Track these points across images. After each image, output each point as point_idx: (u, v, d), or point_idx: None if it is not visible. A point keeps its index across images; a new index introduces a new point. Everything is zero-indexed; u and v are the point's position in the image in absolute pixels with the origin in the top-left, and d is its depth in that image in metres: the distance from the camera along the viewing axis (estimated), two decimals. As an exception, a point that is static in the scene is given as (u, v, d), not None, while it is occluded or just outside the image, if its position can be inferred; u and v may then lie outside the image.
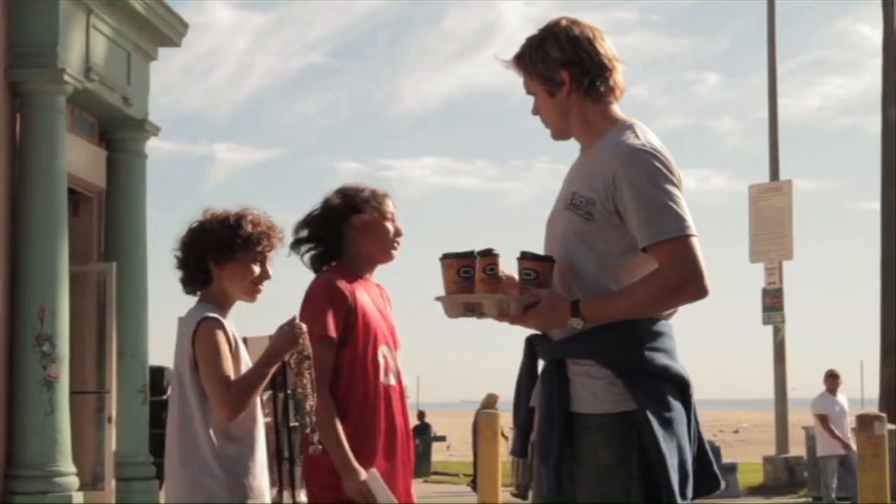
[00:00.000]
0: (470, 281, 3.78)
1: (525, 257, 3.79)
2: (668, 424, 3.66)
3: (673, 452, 3.64)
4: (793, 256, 19.95)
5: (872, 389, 25.00)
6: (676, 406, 3.71)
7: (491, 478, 12.89)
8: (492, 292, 3.79)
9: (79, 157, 13.72)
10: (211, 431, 4.51)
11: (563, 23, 3.90)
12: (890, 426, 14.20)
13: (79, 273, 13.78)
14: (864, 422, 11.19)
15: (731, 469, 18.62)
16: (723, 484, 3.89)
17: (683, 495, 3.67)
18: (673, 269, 3.66)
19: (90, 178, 14.30)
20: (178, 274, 4.72)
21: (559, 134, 3.96)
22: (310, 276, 4.95)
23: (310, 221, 4.96)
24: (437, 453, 26.93)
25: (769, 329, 20.10)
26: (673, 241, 3.67)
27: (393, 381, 4.82)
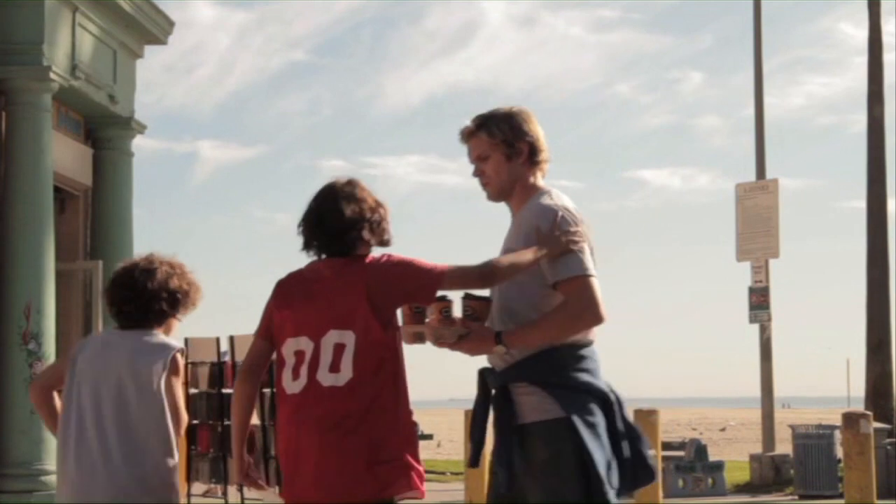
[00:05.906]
0: (420, 316, 4.66)
1: (468, 297, 4.65)
2: (592, 427, 4.56)
3: (598, 449, 4.53)
4: (779, 255, 19.95)
5: (859, 388, 25.08)
6: (599, 413, 4.61)
7: (478, 477, 12.87)
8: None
9: (65, 155, 13.70)
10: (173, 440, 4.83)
11: (517, 108, 4.84)
12: (876, 424, 14.23)
13: (65, 271, 13.76)
14: (851, 420, 11.22)
15: (717, 467, 18.61)
16: (658, 476, 4.87)
17: (610, 484, 4.54)
18: (574, 302, 4.56)
19: (76, 176, 14.27)
20: (129, 309, 4.88)
21: (501, 195, 4.84)
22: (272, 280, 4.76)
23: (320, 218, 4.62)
24: (426, 451, 26.92)
25: (755, 327, 20.09)
26: (575, 279, 4.57)
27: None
